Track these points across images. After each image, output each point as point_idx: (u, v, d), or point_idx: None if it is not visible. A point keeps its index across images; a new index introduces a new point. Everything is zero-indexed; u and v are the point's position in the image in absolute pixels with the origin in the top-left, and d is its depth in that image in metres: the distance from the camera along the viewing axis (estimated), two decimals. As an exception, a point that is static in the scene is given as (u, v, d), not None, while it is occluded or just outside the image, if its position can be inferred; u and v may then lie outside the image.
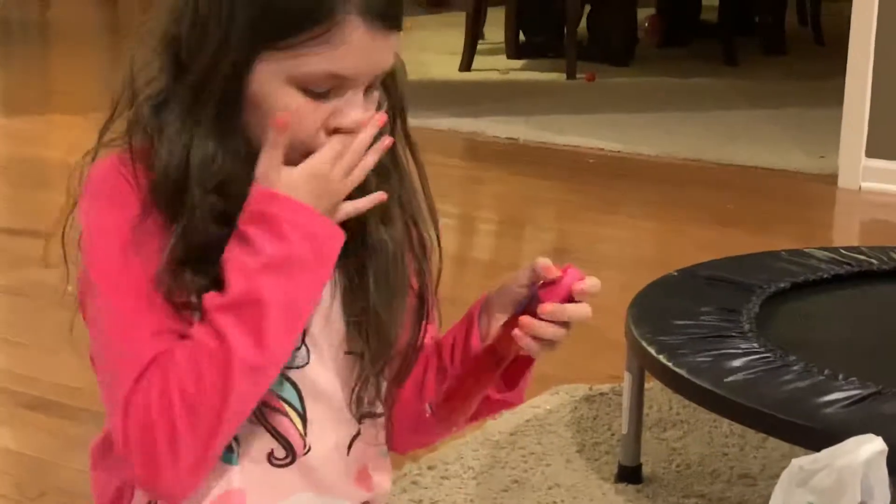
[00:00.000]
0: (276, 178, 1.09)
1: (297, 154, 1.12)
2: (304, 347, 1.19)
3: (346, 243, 1.16)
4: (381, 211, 1.18)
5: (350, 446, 1.24)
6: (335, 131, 1.11)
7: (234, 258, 1.08)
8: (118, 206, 1.13)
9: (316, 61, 1.08)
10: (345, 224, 1.16)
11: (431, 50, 5.69)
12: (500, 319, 1.18)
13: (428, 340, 1.27)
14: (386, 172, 1.19)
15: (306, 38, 1.07)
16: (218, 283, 1.11)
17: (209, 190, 1.11)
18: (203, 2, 1.09)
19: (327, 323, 1.20)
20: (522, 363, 1.20)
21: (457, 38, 5.57)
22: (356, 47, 1.08)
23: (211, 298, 1.09)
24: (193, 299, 1.11)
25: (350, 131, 1.11)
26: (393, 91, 1.19)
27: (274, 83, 1.10)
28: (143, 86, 1.13)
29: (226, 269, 1.08)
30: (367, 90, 1.13)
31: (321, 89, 1.10)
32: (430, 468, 1.93)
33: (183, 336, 1.10)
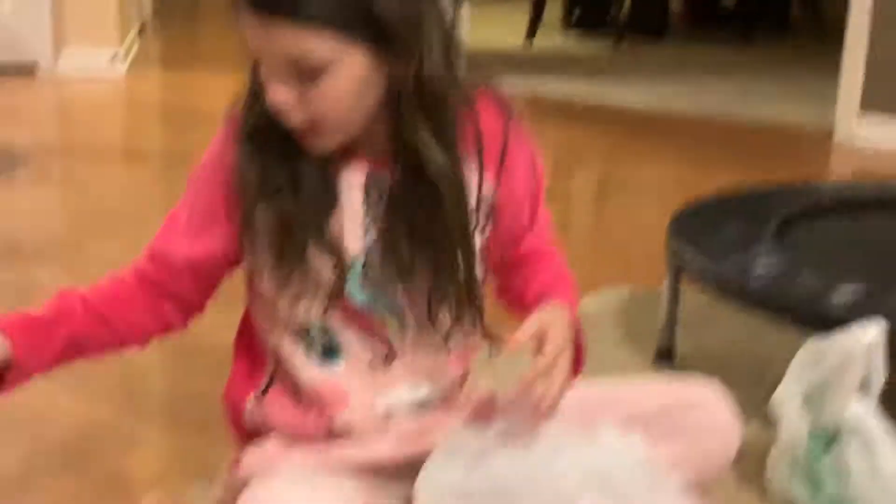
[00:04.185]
0: None
1: None
2: (394, 272, 1.23)
3: (413, 185, 1.18)
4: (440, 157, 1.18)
5: (447, 339, 1.27)
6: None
7: None
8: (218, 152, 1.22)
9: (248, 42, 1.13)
10: (407, 164, 1.18)
11: (505, 24, 6.13)
12: None
13: (532, 242, 1.33)
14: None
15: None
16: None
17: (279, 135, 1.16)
18: None
19: (412, 256, 1.22)
20: None
21: (521, 14, 6.05)
22: (246, 26, 1.10)
23: None
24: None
25: (273, 105, 1.13)
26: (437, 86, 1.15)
27: None
28: None
29: None
30: (304, 77, 1.10)
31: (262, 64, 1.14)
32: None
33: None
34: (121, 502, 1.54)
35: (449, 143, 1.17)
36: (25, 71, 4.59)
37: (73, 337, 1.21)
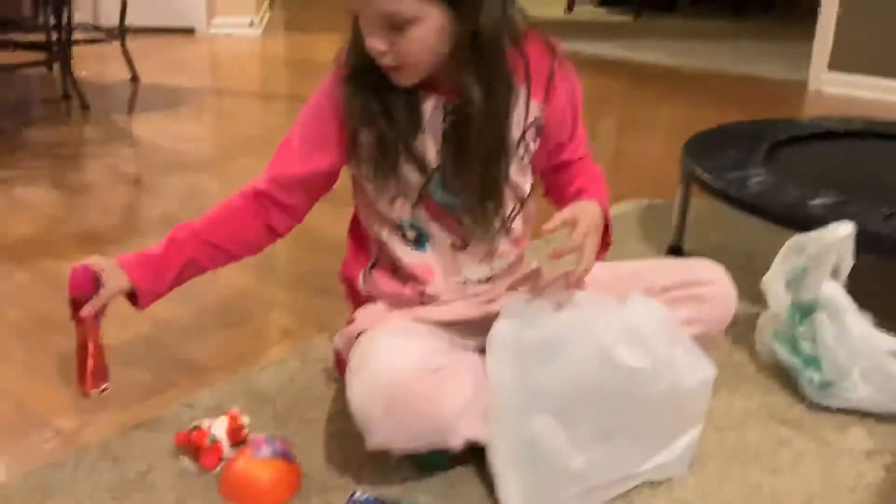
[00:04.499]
0: None
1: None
2: (466, 177, 1.21)
3: (481, 114, 1.15)
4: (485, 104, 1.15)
5: (504, 229, 1.27)
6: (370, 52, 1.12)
7: None
8: (330, 89, 1.20)
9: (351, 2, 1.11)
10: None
11: (548, 2, 6.00)
12: None
13: (571, 154, 1.32)
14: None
15: None
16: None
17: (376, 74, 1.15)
18: None
19: (480, 164, 1.19)
20: None
21: None
22: None
23: None
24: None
25: (372, 50, 1.11)
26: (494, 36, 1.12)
27: None
28: None
29: None
30: (395, 28, 1.09)
31: (361, 20, 1.12)
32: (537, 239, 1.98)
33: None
34: (263, 348, 1.55)
35: (494, 81, 1.14)
36: (186, 33, 4.61)
37: (185, 264, 1.22)
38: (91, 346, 1.21)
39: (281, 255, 1.91)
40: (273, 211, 1.24)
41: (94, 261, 1.21)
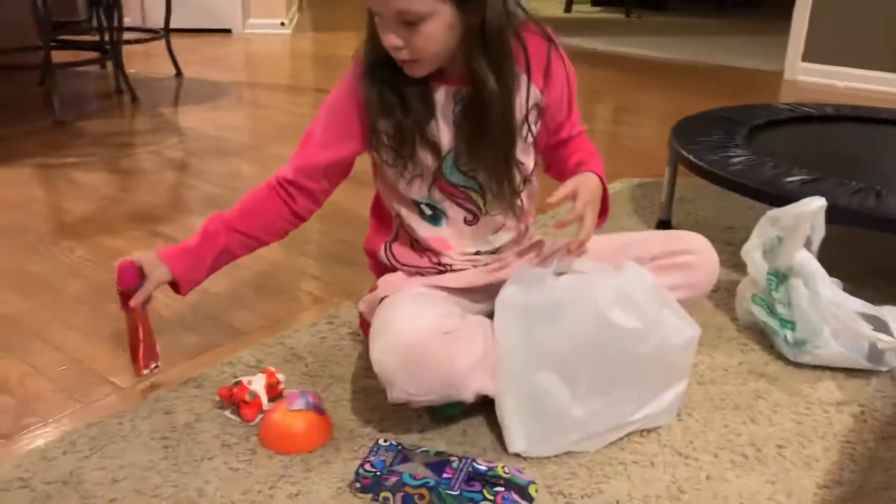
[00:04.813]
0: None
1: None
2: (475, 159, 1.20)
3: (489, 99, 1.14)
4: (495, 78, 1.14)
5: (511, 205, 1.25)
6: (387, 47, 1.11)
7: None
8: (350, 84, 1.19)
9: (368, 2, 1.09)
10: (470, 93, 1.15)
11: (549, 1, 6.02)
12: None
13: (568, 131, 1.29)
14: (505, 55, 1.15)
15: None
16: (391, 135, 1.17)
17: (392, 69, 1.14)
18: None
19: (487, 146, 1.19)
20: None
21: None
22: None
23: None
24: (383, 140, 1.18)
25: (389, 47, 1.09)
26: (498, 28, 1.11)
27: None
28: None
29: None
30: (409, 24, 1.07)
31: (375, 15, 1.10)
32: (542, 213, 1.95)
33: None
34: (296, 313, 1.54)
35: (502, 69, 1.13)
36: (224, 33, 4.57)
37: (220, 252, 1.22)
38: (141, 332, 1.23)
39: (311, 230, 1.90)
40: (299, 197, 1.23)
41: (138, 255, 1.21)
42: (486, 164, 1.20)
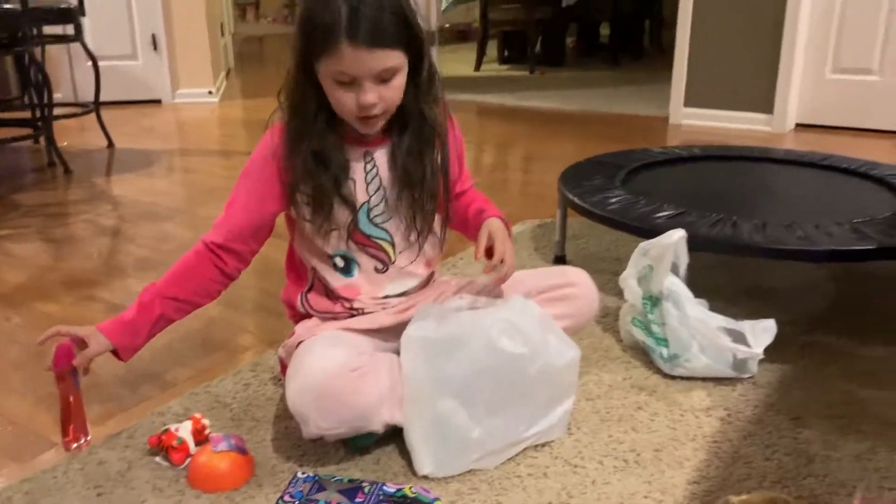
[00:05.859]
0: None
1: (352, 119, 1.17)
2: (387, 211, 1.25)
3: (397, 160, 1.21)
4: (417, 142, 1.21)
5: (419, 252, 1.30)
6: (360, 106, 1.13)
7: None
8: (274, 141, 1.21)
9: (335, 65, 1.11)
10: (395, 149, 1.21)
11: (462, 60, 6.18)
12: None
13: (461, 187, 1.35)
14: (425, 124, 1.21)
15: (324, 55, 1.10)
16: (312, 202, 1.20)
17: (314, 137, 1.17)
18: (294, 41, 1.14)
19: (399, 200, 1.24)
20: None
21: (472, 54, 6.03)
22: (349, 59, 1.10)
23: None
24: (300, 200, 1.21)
25: (367, 105, 1.13)
26: (423, 76, 1.18)
27: (325, 79, 1.14)
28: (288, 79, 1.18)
29: None
30: (383, 81, 1.13)
31: (345, 80, 1.12)
32: (453, 256, 2.03)
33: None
34: (222, 363, 1.56)
35: (424, 127, 1.21)
36: (154, 104, 4.57)
37: (156, 320, 1.24)
38: (73, 406, 1.25)
39: (239, 284, 1.92)
40: (228, 259, 1.25)
41: (79, 329, 1.23)
42: (400, 214, 1.25)
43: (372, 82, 1.12)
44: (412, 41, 1.14)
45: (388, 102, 1.15)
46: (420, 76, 1.17)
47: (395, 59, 1.12)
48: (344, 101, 1.14)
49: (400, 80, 1.14)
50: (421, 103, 1.19)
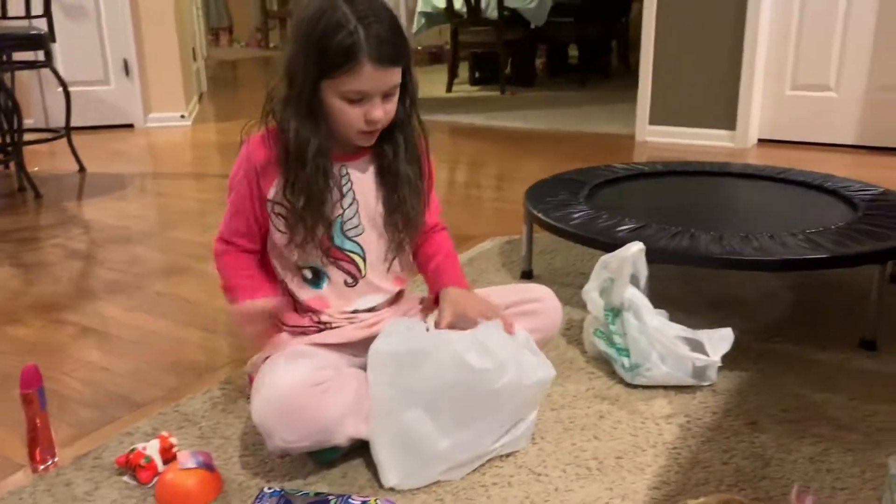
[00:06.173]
0: None
1: (353, 134, 1.20)
2: (361, 224, 1.27)
3: (385, 172, 1.24)
4: (406, 155, 1.24)
5: (389, 267, 1.32)
6: (368, 122, 1.17)
7: None
8: (250, 157, 1.23)
9: (349, 84, 1.14)
10: (383, 161, 1.24)
11: (434, 81, 6.17)
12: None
13: (430, 219, 1.36)
14: (413, 137, 1.25)
15: (342, 74, 1.13)
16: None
17: (315, 155, 1.18)
18: (294, 56, 1.16)
19: (375, 213, 1.27)
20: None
21: (444, 75, 6.06)
22: (368, 77, 1.13)
23: None
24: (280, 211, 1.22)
25: (376, 120, 1.17)
26: (411, 91, 1.23)
27: (332, 96, 1.16)
28: (277, 95, 1.20)
29: None
30: (387, 97, 1.17)
31: (355, 97, 1.16)
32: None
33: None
34: (191, 382, 1.57)
35: (408, 144, 1.25)
36: (126, 128, 4.56)
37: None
38: (40, 429, 1.25)
39: (200, 302, 1.94)
40: (240, 244, 1.30)
41: (263, 303, 1.27)
42: (373, 227, 1.27)
43: (381, 97, 1.17)
44: (407, 62, 1.19)
45: (389, 116, 1.20)
46: (407, 90, 1.22)
47: (399, 75, 1.18)
48: (352, 117, 1.18)
49: (397, 95, 1.19)
50: (403, 116, 1.23)
